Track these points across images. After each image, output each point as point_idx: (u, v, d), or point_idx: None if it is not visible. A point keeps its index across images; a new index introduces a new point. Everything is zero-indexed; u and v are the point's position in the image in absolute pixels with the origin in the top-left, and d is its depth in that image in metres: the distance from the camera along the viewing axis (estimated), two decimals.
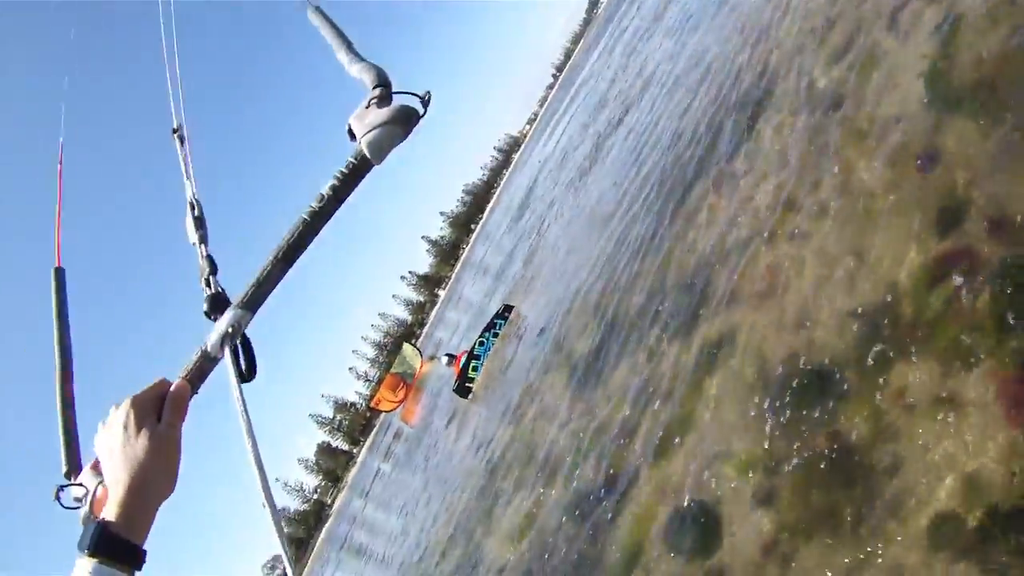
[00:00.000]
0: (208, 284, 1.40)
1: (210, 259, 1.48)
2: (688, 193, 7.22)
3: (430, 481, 16.43)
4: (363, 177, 1.25)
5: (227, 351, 1.23)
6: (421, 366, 61.21)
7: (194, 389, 1.27)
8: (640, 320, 6.50)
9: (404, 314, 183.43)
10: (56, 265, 1.74)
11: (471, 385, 16.14)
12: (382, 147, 1.21)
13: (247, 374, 1.28)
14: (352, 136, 1.26)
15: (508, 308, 16.74)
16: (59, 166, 2.26)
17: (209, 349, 1.24)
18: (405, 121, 1.22)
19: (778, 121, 5.80)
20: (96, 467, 1.29)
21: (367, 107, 1.27)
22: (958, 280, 2.99)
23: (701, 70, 10.25)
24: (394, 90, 1.32)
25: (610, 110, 19.33)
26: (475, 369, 16.24)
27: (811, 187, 4.58)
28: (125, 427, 1.17)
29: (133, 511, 1.15)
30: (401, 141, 1.24)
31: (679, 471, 4.39)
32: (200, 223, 1.59)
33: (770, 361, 4.02)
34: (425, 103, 1.27)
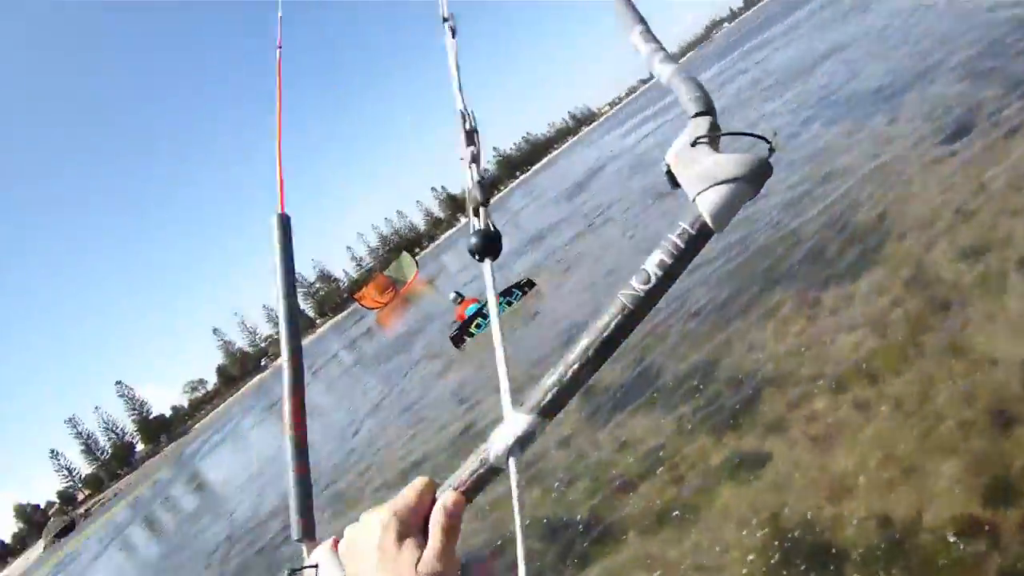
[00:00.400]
0: (476, 214, 1.10)
1: (481, 184, 1.16)
2: (767, 290, 7.39)
3: (390, 400, 16.58)
4: (702, 248, 0.91)
5: (513, 463, 0.92)
6: (414, 278, 61.74)
7: (468, 501, 0.98)
8: (677, 387, 6.70)
9: (420, 222, 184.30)
10: (280, 212, 1.47)
11: (468, 339, 16.10)
12: (729, 212, 0.88)
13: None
14: (673, 180, 0.94)
15: (530, 284, 16.30)
16: (279, 91, 1.85)
17: (492, 460, 0.94)
18: (758, 181, 0.89)
19: (884, 282, 5.93)
20: (337, 547, 1.05)
21: (693, 145, 0.93)
22: (979, 547, 3.25)
23: (815, 167, 10.32)
24: (720, 124, 0.97)
25: None
26: (479, 327, 16.14)
27: (894, 372, 4.79)
28: (382, 546, 0.91)
29: None
30: (748, 200, 0.93)
31: (665, 555, 4.69)
32: (472, 138, 1.23)
33: (788, 507, 4.30)
34: (772, 152, 0.92)
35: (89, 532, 57.04)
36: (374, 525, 0.92)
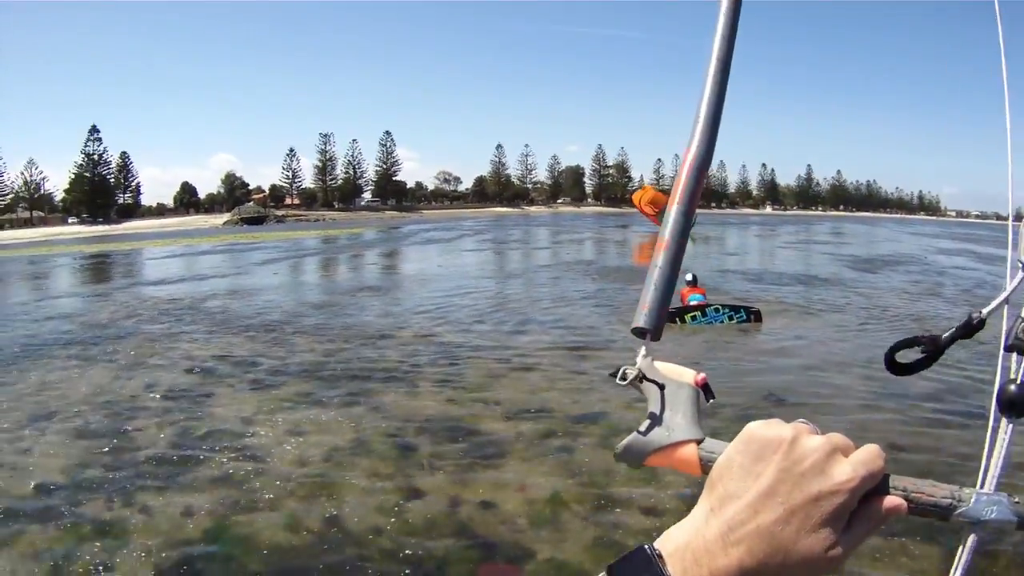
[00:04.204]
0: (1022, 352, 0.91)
1: None
2: None
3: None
4: None
5: (972, 539, 0.80)
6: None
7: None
8: None
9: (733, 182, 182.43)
10: None
11: (677, 323, 16.16)
12: None
13: None
14: None
15: (759, 315, 16.54)
16: None
17: (957, 513, 0.78)
18: None
19: None
20: (701, 383, 0.89)
21: None
22: None
23: None
24: None
25: None
26: (694, 319, 16.26)
27: None
28: (815, 497, 0.74)
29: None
30: None
31: None
32: None
33: None
34: None
35: (270, 237, 62.58)
36: (821, 466, 0.75)
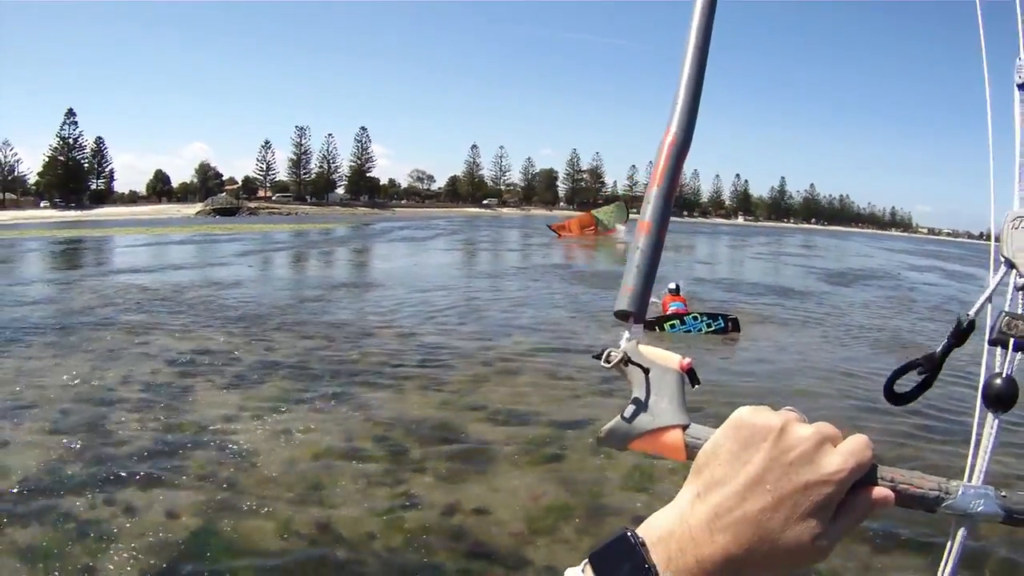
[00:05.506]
0: (1004, 345, 0.87)
1: None
2: None
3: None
4: None
5: (963, 532, 0.79)
6: (617, 227, 62.10)
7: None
8: None
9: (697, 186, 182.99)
10: None
11: (656, 331, 16.00)
12: None
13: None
14: None
15: (736, 323, 16.39)
16: None
17: (946, 504, 0.76)
18: None
19: None
20: (685, 368, 0.87)
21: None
22: None
23: None
24: None
25: None
26: (672, 327, 16.24)
27: None
28: (804, 485, 0.72)
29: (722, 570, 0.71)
30: None
31: None
32: None
33: None
34: None
35: (243, 229, 62.19)
36: (811, 455, 0.74)
